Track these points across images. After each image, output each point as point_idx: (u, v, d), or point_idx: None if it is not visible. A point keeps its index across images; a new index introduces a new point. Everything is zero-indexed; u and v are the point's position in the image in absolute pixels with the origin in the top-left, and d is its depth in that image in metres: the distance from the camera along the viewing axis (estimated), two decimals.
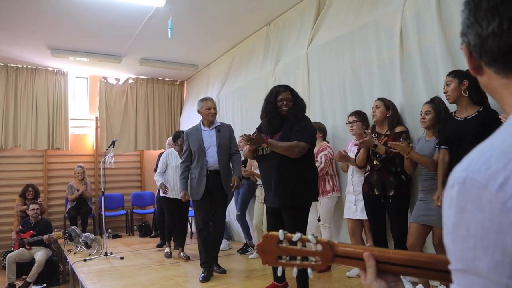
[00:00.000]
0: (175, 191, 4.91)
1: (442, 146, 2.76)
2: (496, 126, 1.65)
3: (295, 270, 0.87)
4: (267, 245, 0.86)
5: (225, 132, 4.07)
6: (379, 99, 3.31)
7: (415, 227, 2.92)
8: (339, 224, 4.10)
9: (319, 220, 3.90)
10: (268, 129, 3.10)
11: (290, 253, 0.85)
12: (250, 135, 2.96)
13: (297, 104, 3.15)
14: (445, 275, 0.78)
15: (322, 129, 4.04)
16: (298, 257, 0.85)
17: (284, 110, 3.07)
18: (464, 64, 2.76)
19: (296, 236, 0.84)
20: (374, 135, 3.23)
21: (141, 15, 5.34)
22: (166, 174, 5.12)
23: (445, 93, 2.71)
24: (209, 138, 4.00)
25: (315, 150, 3.91)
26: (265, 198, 3.24)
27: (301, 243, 0.85)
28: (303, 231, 3.14)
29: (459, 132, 2.60)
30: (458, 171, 0.49)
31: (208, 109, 4.04)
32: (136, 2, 4.89)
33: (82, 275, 4.15)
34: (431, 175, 2.90)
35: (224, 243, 5.46)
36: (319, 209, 3.96)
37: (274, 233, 0.86)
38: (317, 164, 3.82)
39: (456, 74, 2.64)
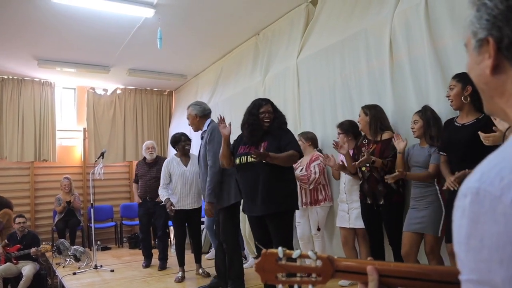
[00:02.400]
0: (182, 202, 4.53)
1: (441, 153, 2.79)
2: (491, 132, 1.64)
3: (295, 287, 0.86)
4: (266, 263, 0.85)
5: (204, 140, 3.82)
6: (362, 107, 3.39)
7: (408, 235, 2.94)
8: (331, 233, 4.10)
9: (319, 229, 3.90)
10: (250, 140, 3.15)
11: (290, 270, 0.84)
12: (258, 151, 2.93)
13: (279, 117, 3.25)
14: (447, 287, 0.80)
15: (312, 139, 4.06)
16: (298, 274, 0.84)
17: (265, 122, 3.15)
18: (452, 73, 2.81)
19: (296, 253, 0.83)
20: (365, 142, 3.31)
21: (130, 25, 5.33)
22: (172, 186, 4.61)
23: (447, 97, 2.69)
24: (199, 147, 3.98)
25: (307, 159, 3.94)
26: (246, 208, 3.21)
27: (301, 259, 0.83)
28: (290, 239, 3.16)
29: (454, 137, 2.62)
30: (471, 181, 0.49)
31: None
32: (125, 13, 4.87)
33: None
34: (423, 182, 2.93)
35: None
36: (312, 218, 3.96)
37: (273, 250, 0.85)
38: (312, 175, 3.85)
39: (461, 78, 2.59)
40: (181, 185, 4.50)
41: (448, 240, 2.65)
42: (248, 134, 3.14)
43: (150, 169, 5.19)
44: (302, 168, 3.93)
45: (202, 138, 3.86)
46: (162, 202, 4.66)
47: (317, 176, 3.85)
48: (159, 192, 4.63)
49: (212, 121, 3.90)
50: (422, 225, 2.87)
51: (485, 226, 0.46)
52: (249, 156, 3.07)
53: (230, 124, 3.23)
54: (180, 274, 4.47)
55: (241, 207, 4.23)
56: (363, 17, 3.79)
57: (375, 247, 3.33)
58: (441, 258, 2.87)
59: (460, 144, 2.55)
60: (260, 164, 2.99)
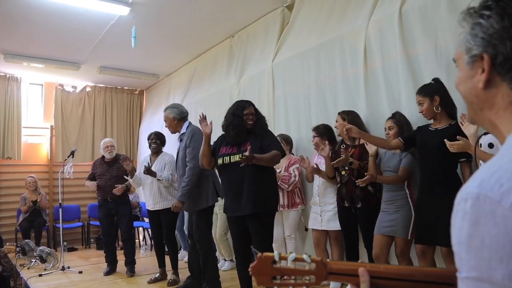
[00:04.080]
0: (147, 202, 4.48)
1: (400, 138, 2.92)
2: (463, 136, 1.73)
3: None
4: (261, 267, 0.87)
5: (183, 142, 3.78)
6: (339, 113, 3.46)
7: (379, 238, 3.03)
8: (303, 235, 4.17)
9: (306, 229, 3.95)
10: (235, 140, 3.16)
11: (285, 273, 0.86)
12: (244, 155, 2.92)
13: (260, 118, 3.30)
14: (434, 287, 0.85)
15: (289, 141, 4.12)
16: (292, 277, 0.87)
17: (249, 124, 3.18)
18: (424, 81, 2.94)
19: (291, 256, 0.86)
20: (343, 147, 3.39)
21: (103, 22, 5.25)
22: (143, 185, 4.55)
23: (420, 112, 2.80)
24: (176, 149, 3.97)
25: (285, 162, 4.00)
26: (229, 208, 3.20)
27: (295, 263, 0.86)
28: (271, 240, 3.19)
29: (428, 141, 2.74)
30: (471, 187, 0.54)
31: None
32: (99, 9, 4.79)
33: None
34: (393, 186, 3.03)
35: None
36: (288, 221, 4.01)
37: (269, 254, 0.87)
38: (292, 177, 3.91)
39: (426, 92, 2.72)
40: (144, 184, 4.48)
41: (418, 241, 2.77)
42: (233, 135, 3.14)
43: (110, 168, 4.94)
44: (281, 170, 3.98)
45: (180, 140, 3.84)
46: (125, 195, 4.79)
47: (296, 179, 3.93)
48: (129, 181, 4.64)
49: (190, 123, 3.89)
50: (392, 228, 2.97)
51: (486, 227, 0.51)
52: (232, 156, 3.10)
53: (211, 123, 3.23)
54: (157, 275, 4.41)
55: (215, 208, 4.24)
56: (339, 24, 3.89)
57: (350, 249, 3.42)
58: (411, 259, 2.98)
59: (434, 147, 2.67)
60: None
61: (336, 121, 3.46)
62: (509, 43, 0.59)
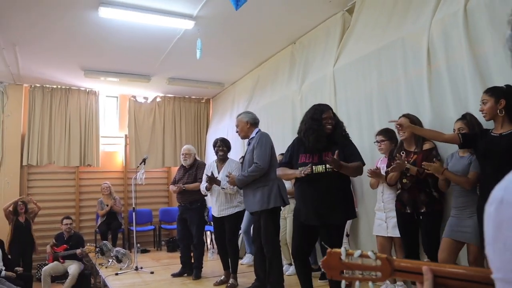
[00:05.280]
0: (214, 208, 4.58)
1: (459, 133, 2.80)
2: None
3: (357, 284, 0.92)
4: (331, 261, 0.93)
5: (251, 145, 3.92)
6: (404, 115, 3.32)
7: (448, 242, 2.92)
8: (360, 240, 4.11)
9: (348, 235, 3.93)
10: (314, 146, 3.08)
11: (353, 268, 0.91)
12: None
13: (339, 123, 3.21)
14: None
15: None
16: (359, 272, 0.92)
17: (328, 129, 3.11)
18: (492, 81, 2.80)
19: (357, 252, 0.91)
20: (402, 153, 3.27)
21: (170, 37, 5.55)
22: (211, 191, 4.58)
23: (481, 111, 2.70)
24: (244, 153, 4.09)
25: None
26: (303, 216, 3.16)
27: (361, 259, 0.91)
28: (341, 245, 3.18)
29: (491, 147, 2.62)
30: (498, 189, 0.55)
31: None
32: (166, 25, 5.08)
33: None
34: (465, 191, 2.90)
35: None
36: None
37: (337, 250, 0.93)
38: None
39: (493, 93, 2.62)
40: (212, 191, 4.53)
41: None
42: (313, 140, 3.06)
43: (185, 174, 5.09)
44: None
45: (249, 144, 3.98)
46: (198, 201, 4.95)
47: None
48: (200, 189, 4.68)
49: (259, 130, 4.03)
50: (466, 234, 2.85)
51: (508, 231, 0.51)
52: (315, 167, 3.04)
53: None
54: (223, 277, 4.52)
55: (284, 213, 4.27)
56: (400, 26, 3.80)
57: (411, 255, 3.31)
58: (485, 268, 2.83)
59: (498, 153, 2.54)
60: (328, 173, 2.99)
61: (400, 125, 3.30)
62: None
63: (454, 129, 2.98)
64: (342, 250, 0.92)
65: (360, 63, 4.22)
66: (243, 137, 4.10)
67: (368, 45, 4.17)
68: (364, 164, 3.13)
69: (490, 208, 0.55)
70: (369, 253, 0.90)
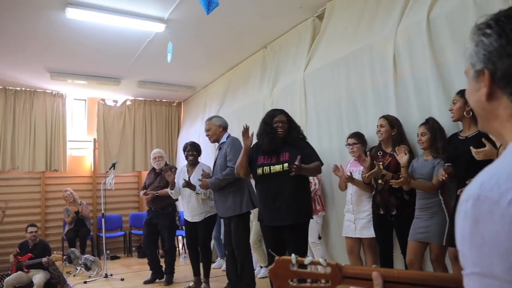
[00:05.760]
0: (185, 213, 4.57)
1: (447, 164, 2.88)
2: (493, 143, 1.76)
3: None
4: (279, 269, 0.91)
5: (222, 150, 3.96)
6: (383, 117, 3.39)
7: (413, 244, 3.01)
8: (331, 242, 4.18)
9: (319, 237, 3.98)
10: (269, 148, 3.25)
11: (302, 276, 0.90)
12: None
13: (295, 127, 3.37)
14: None
15: None
16: (308, 280, 0.90)
17: (279, 132, 3.25)
18: (454, 88, 2.92)
19: (308, 259, 0.90)
20: (380, 153, 3.39)
21: (141, 39, 5.49)
22: (182, 196, 4.58)
23: (450, 110, 2.84)
24: (215, 158, 4.09)
25: None
26: (267, 217, 3.27)
27: (312, 266, 0.90)
28: (307, 247, 3.23)
29: (459, 150, 2.74)
30: (472, 188, 0.58)
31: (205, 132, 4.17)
32: (137, 28, 5.02)
33: None
34: (427, 194, 3.00)
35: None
36: (310, 228, 4.02)
37: (286, 257, 0.91)
38: (312, 186, 3.95)
39: (463, 94, 2.71)
40: (182, 195, 4.52)
41: (451, 244, 2.74)
42: (267, 142, 3.23)
43: (156, 179, 5.05)
44: None
45: (219, 149, 3.99)
46: (170, 206, 4.93)
47: (316, 187, 3.98)
48: (169, 192, 4.63)
49: (229, 134, 4.10)
50: (427, 234, 2.95)
51: (485, 226, 0.55)
52: (272, 167, 3.19)
53: (252, 135, 3.30)
54: (192, 284, 4.49)
55: (251, 216, 4.32)
56: (368, 33, 3.90)
57: (384, 255, 3.40)
58: (446, 266, 2.94)
59: (465, 156, 2.64)
60: (284, 174, 3.11)
61: (382, 126, 3.36)
62: (506, 60, 0.64)
63: (417, 133, 3.09)
64: (292, 257, 0.90)
65: (330, 68, 4.30)
66: (214, 141, 4.12)
67: (337, 51, 4.26)
68: (322, 164, 3.26)
69: (466, 205, 0.58)
70: (320, 260, 0.90)
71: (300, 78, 4.73)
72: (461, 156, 2.70)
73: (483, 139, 2.41)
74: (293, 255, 0.92)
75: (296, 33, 5.23)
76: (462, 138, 2.79)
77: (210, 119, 4.16)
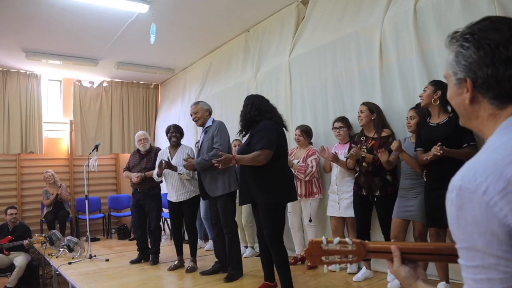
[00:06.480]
0: (169, 194, 4.60)
1: (418, 149, 3.08)
2: (463, 129, 1.96)
3: (332, 267, 1.09)
4: (313, 249, 1.09)
5: (209, 133, 4.04)
6: (364, 103, 3.56)
7: (397, 222, 3.23)
8: (323, 222, 4.35)
9: (310, 220, 4.14)
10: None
11: (332, 253, 1.08)
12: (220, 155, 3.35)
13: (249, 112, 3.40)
14: (454, 259, 1.03)
15: (309, 133, 4.28)
16: (338, 256, 1.08)
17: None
18: (438, 75, 3.10)
19: (336, 239, 1.08)
20: (362, 138, 3.54)
21: (123, 20, 5.41)
22: (165, 177, 4.62)
23: (420, 96, 3.03)
24: (200, 142, 4.17)
25: (304, 153, 4.18)
26: (240, 198, 3.44)
27: (339, 245, 1.08)
28: (277, 226, 3.18)
29: (431, 136, 2.92)
30: (455, 180, 0.71)
31: (191, 116, 4.22)
32: (119, 7, 4.95)
33: (73, 277, 4.20)
34: (411, 174, 3.21)
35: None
36: (305, 209, 4.20)
37: (318, 239, 1.09)
38: (309, 168, 4.07)
39: (434, 83, 2.96)
40: (167, 176, 4.57)
41: (430, 225, 2.96)
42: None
43: (142, 160, 5.08)
44: (299, 161, 4.16)
45: (205, 132, 4.07)
46: (156, 187, 4.92)
47: (313, 169, 4.09)
48: (153, 176, 4.67)
49: (213, 118, 4.21)
50: (411, 213, 3.16)
51: (467, 211, 0.68)
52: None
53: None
54: (176, 262, 4.59)
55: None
56: (354, 20, 4.02)
57: (361, 234, 3.58)
58: (427, 241, 3.16)
59: (437, 141, 2.84)
60: None
61: (362, 112, 3.52)
62: (485, 69, 0.76)
63: (407, 116, 3.26)
64: (323, 238, 1.08)
65: (315, 53, 4.41)
66: (201, 125, 4.17)
67: (323, 37, 4.37)
68: (266, 149, 3.13)
69: (451, 195, 0.71)
70: (347, 239, 1.08)
71: (285, 62, 4.82)
72: (433, 142, 2.88)
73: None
74: (323, 237, 1.10)
75: (280, 18, 5.29)
76: (433, 124, 2.98)
77: (197, 103, 4.22)
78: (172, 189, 4.52)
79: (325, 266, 1.11)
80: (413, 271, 0.99)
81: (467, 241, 0.68)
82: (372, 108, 3.51)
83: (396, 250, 1.01)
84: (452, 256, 1.02)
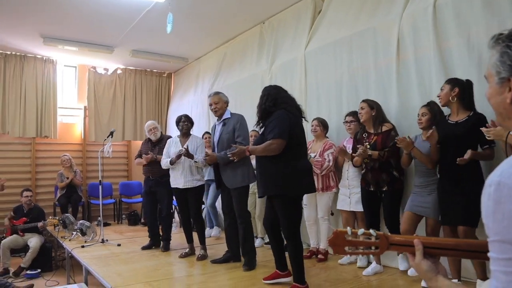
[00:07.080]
0: (177, 181, 4.59)
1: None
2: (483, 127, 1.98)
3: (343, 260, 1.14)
4: (337, 239, 1.12)
5: (229, 126, 4.07)
6: (363, 100, 3.65)
7: (409, 215, 3.28)
8: (334, 216, 4.38)
9: (332, 214, 4.21)
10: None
11: (356, 244, 1.12)
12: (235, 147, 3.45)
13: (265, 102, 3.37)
14: (474, 255, 1.07)
15: (325, 125, 4.30)
16: (361, 247, 1.12)
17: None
18: (455, 73, 3.11)
19: (360, 231, 1.12)
20: (365, 135, 3.60)
21: (140, 8, 5.47)
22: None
23: (438, 96, 3.06)
24: (217, 133, 4.21)
25: (320, 146, 4.21)
26: (258, 189, 3.45)
27: (364, 236, 1.12)
28: (293, 219, 3.19)
29: (450, 134, 2.95)
30: (494, 176, 0.74)
31: (210, 105, 4.25)
32: None
33: (86, 260, 4.30)
34: (426, 172, 3.24)
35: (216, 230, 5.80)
36: (322, 203, 4.21)
37: (343, 229, 1.13)
38: (326, 162, 4.11)
39: (450, 81, 2.98)
40: (176, 163, 4.57)
41: (445, 223, 2.99)
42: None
43: (153, 148, 5.15)
44: (316, 154, 4.19)
45: (223, 124, 4.12)
46: (168, 175, 4.86)
47: (330, 164, 4.11)
48: (162, 164, 4.69)
49: (229, 110, 4.25)
50: (425, 209, 3.21)
51: (505, 205, 0.71)
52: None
53: None
54: (187, 250, 4.66)
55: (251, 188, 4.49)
56: (372, 16, 4.02)
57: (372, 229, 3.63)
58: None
59: (456, 138, 2.87)
60: None
61: (362, 108, 3.59)
62: None
63: (418, 113, 3.28)
64: (348, 229, 1.12)
65: (332, 48, 4.42)
66: (219, 115, 4.20)
67: (339, 31, 4.37)
68: (278, 139, 3.09)
69: (489, 189, 0.75)
70: (371, 231, 1.11)
71: (301, 56, 4.84)
72: (451, 139, 2.92)
73: (481, 129, 2.56)
74: (348, 228, 1.14)
75: (296, 11, 5.29)
76: (452, 122, 3.00)
77: (217, 93, 4.25)
78: (181, 175, 4.55)
79: (348, 256, 1.16)
80: (434, 266, 1.02)
81: (502, 234, 0.71)
82: (372, 105, 3.58)
83: (419, 243, 1.05)
84: (471, 252, 1.07)
